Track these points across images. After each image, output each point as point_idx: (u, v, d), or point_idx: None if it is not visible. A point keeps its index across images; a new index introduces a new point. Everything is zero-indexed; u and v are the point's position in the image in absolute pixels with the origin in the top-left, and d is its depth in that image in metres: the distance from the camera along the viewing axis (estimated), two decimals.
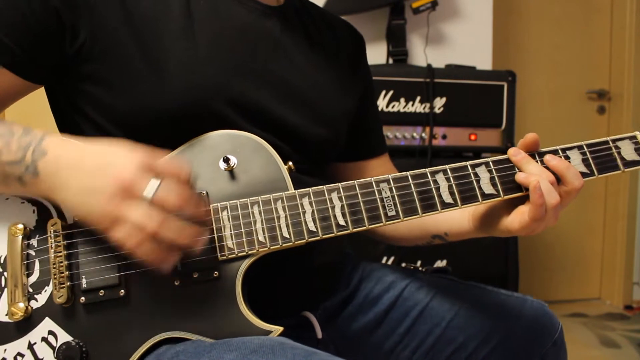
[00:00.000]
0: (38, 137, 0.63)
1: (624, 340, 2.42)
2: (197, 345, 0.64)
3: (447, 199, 0.70)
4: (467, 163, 0.71)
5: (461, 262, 1.80)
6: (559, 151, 0.71)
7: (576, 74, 2.90)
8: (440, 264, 1.82)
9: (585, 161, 0.71)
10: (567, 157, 0.71)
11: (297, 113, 0.78)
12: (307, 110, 0.80)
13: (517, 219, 0.71)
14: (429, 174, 0.70)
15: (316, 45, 0.87)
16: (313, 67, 0.84)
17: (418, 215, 0.69)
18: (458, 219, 0.81)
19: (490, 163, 0.71)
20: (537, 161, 0.71)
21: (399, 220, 0.69)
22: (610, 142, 0.72)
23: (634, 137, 0.72)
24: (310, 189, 0.68)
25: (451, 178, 0.70)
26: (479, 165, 0.71)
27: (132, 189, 0.58)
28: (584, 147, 0.72)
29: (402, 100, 1.86)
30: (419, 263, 1.80)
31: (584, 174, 0.71)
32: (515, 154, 0.71)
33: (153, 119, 0.69)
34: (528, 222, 0.70)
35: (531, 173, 0.69)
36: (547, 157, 0.70)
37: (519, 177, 0.70)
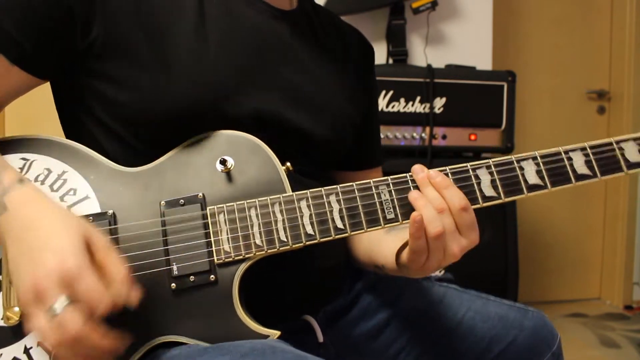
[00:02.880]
0: (4, 186, 0.61)
1: (624, 340, 2.42)
2: (191, 349, 0.64)
3: None
4: (468, 165, 0.69)
5: (461, 262, 1.79)
6: (561, 152, 0.69)
7: (576, 74, 2.90)
8: None
9: (587, 162, 0.69)
10: (570, 159, 0.69)
11: (306, 116, 0.78)
12: (316, 115, 0.79)
13: (406, 251, 0.69)
14: None
15: (326, 52, 0.86)
16: (322, 73, 0.83)
17: None
18: (391, 255, 0.77)
19: (492, 165, 0.69)
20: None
21: (398, 223, 0.68)
22: (614, 143, 0.70)
23: (639, 139, 0.70)
24: (308, 192, 0.68)
25: (450, 175, 0.69)
26: (479, 167, 0.70)
27: (42, 298, 0.54)
28: (587, 148, 0.70)
29: (402, 100, 1.86)
30: None
31: (586, 176, 0.69)
32: (418, 171, 0.68)
33: (158, 117, 0.69)
34: (410, 253, 0.68)
35: (424, 196, 0.66)
36: (432, 173, 0.67)
37: (410, 197, 0.67)
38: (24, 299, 0.56)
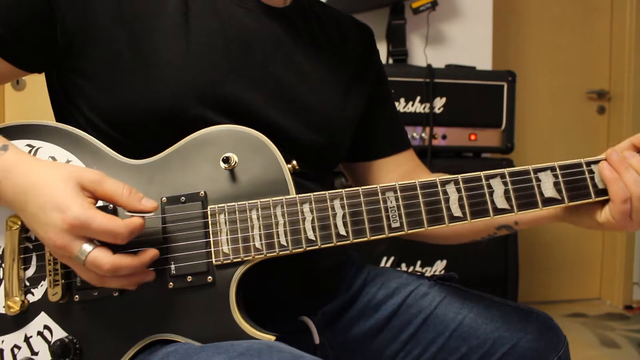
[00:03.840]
0: None
1: (624, 340, 2.42)
2: (187, 347, 0.64)
3: (456, 212, 0.65)
4: (482, 174, 0.66)
5: (461, 262, 1.80)
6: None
7: (576, 74, 2.90)
8: (440, 264, 1.82)
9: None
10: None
11: (294, 118, 0.76)
12: (305, 116, 0.78)
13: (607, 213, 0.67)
14: (439, 184, 0.66)
15: (322, 49, 0.84)
16: (316, 72, 0.82)
17: (423, 228, 0.65)
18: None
19: (506, 174, 0.66)
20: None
21: (403, 232, 0.65)
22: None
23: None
24: (312, 195, 0.66)
25: (462, 189, 0.66)
26: (493, 176, 0.66)
27: (66, 252, 0.58)
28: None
29: (402, 100, 1.86)
30: (418, 263, 1.80)
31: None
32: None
33: (140, 118, 0.68)
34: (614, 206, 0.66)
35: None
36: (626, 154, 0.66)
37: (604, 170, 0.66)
38: (56, 254, 0.62)
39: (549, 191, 0.66)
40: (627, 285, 2.93)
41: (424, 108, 1.87)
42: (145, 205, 0.61)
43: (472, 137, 1.92)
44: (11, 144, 0.64)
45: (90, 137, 0.70)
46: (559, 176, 0.66)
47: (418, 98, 1.87)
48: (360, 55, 0.91)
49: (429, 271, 1.80)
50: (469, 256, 1.80)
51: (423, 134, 1.88)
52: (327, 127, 0.81)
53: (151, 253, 0.62)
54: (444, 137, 1.90)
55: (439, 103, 1.88)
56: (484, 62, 2.27)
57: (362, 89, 0.90)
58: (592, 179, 0.67)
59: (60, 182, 0.59)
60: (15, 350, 0.67)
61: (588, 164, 0.67)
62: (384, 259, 1.78)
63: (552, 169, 0.67)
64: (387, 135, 0.96)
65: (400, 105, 1.86)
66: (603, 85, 2.95)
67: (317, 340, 0.78)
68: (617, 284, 2.94)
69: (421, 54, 2.21)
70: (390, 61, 2.12)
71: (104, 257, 0.58)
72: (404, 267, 1.78)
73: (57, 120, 0.78)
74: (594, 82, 2.93)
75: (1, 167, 0.61)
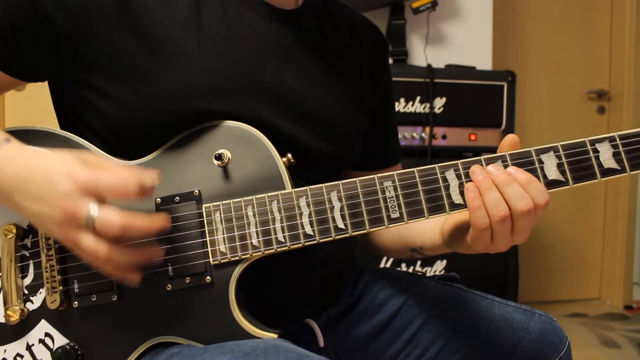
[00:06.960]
0: None
1: (624, 340, 2.42)
2: (190, 349, 0.63)
3: (457, 199, 0.63)
4: (482, 157, 0.64)
5: (461, 262, 1.80)
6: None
7: (576, 74, 2.90)
8: (440, 264, 1.81)
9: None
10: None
11: (309, 130, 0.74)
12: (320, 127, 0.76)
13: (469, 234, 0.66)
14: (438, 172, 0.64)
15: (334, 54, 0.82)
16: (329, 80, 0.79)
17: (424, 217, 0.64)
18: (430, 233, 0.76)
19: (507, 157, 0.64)
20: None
21: (403, 222, 0.64)
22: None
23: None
24: (308, 188, 0.65)
25: (462, 175, 0.64)
26: (494, 159, 0.64)
27: (75, 217, 0.55)
28: (617, 139, 0.62)
29: (402, 100, 1.86)
30: (418, 263, 1.80)
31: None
32: (478, 173, 0.63)
33: (148, 128, 0.67)
34: (472, 232, 0.64)
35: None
36: (490, 168, 0.63)
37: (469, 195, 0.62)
38: (63, 234, 0.57)
39: (552, 173, 0.64)
40: (627, 285, 2.93)
41: (424, 108, 1.87)
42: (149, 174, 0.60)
43: (472, 137, 1.92)
44: (14, 138, 0.64)
45: (80, 139, 0.69)
46: (562, 157, 0.64)
47: (418, 98, 1.87)
48: (373, 62, 0.89)
49: (429, 271, 1.80)
50: (469, 256, 1.80)
51: (423, 134, 1.88)
52: (343, 139, 0.80)
53: (162, 217, 0.60)
54: (444, 137, 1.90)
55: (439, 103, 1.88)
56: (484, 62, 2.27)
57: (373, 99, 0.88)
58: (597, 158, 0.63)
59: (64, 156, 0.59)
60: (18, 358, 0.67)
61: (592, 142, 0.63)
62: (384, 259, 1.78)
63: (555, 149, 0.64)
64: (382, 149, 0.94)
65: (400, 105, 1.86)
66: (603, 85, 2.95)
67: (321, 343, 0.78)
68: (617, 284, 2.94)
69: (421, 54, 2.21)
70: (390, 61, 2.12)
71: (115, 214, 0.55)
72: (404, 267, 1.78)
73: (61, 128, 0.78)
74: (594, 82, 2.94)
75: (4, 155, 0.61)
